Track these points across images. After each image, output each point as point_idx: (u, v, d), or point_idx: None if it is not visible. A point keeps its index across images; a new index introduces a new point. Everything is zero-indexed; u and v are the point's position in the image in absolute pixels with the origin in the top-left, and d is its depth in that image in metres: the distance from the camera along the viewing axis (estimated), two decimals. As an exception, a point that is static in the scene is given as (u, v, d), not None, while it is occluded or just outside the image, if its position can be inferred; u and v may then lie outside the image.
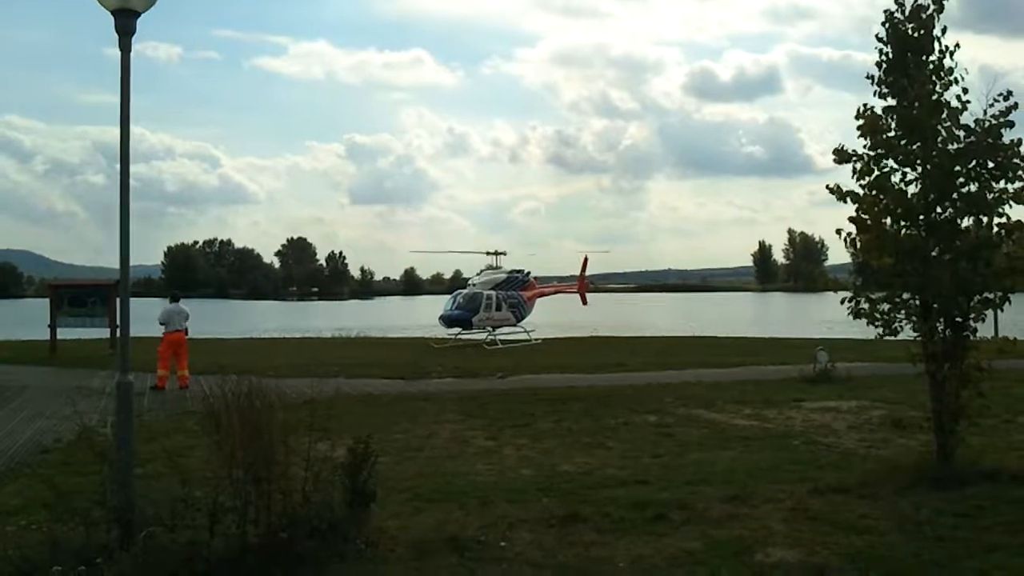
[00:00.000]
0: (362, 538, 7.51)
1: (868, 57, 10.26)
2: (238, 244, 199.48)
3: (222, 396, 7.57)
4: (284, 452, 7.44)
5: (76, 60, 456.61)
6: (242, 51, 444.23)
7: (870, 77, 10.13)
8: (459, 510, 8.87)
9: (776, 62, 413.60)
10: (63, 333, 28.88)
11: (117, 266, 8.00)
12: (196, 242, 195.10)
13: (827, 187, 10.22)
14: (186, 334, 21.97)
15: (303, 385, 9.89)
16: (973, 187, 9.82)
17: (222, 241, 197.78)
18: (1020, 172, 9.68)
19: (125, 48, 7.75)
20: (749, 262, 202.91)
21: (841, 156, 10.17)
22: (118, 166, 7.87)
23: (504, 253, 42.82)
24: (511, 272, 41.26)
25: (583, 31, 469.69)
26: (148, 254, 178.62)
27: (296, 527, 7.21)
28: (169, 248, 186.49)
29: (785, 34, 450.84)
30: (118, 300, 19.44)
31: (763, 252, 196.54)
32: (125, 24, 7.70)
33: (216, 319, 71.98)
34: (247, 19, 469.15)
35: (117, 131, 7.78)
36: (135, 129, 7.87)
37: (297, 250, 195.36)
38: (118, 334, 18.00)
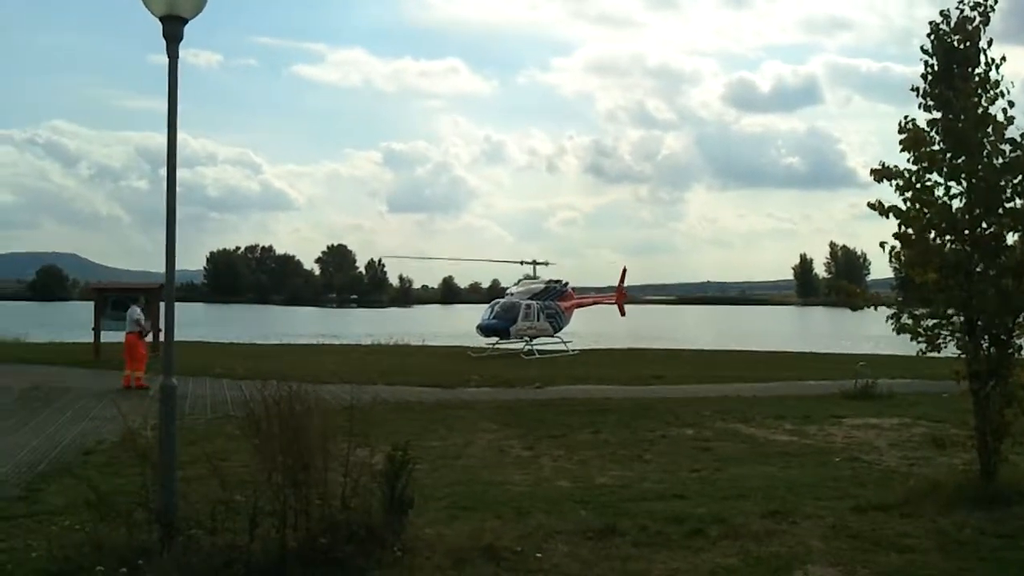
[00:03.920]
0: (400, 545, 7.55)
1: (907, 69, 10.21)
2: (279, 250, 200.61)
3: (263, 401, 7.65)
4: (323, 458, 7.50)
5: (120, 66, 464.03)
6: (281, 58, 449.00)
7: (915, 89, 10.02)
8: (496, 519, 8.87)
9: (814, 73, 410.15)
10: (107, 336, 29.20)
11: (161, 270, 8.10)
12: (238, 248, 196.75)
13: (868, 204, 10.11)
14: (140, 336, 22.83)
15: (342, 392, 9.96)
16: (1018, 202, 9.69)
17: (263, 247, 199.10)
18: (1067, 188, 9.53)
19: (173, 54, 7.85)
20: (790, 275, 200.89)
21: (880, 174, 10.06)
22: (162, 171, 7.97)
23: (546, 263, 42.86)
24: (549, 282, 41.24)
25: (619, 40, 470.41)
26: (191, 259, 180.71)
27: (335, 532, 7.26)
28: (212, 253, 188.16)
29: (822, 44, 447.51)
30: (161, 304, 19.84)
31: (804, 265, 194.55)
32: (173, 30, 7.80)
33: (257, 325, 72.85)
34: (285, 27, 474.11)
35: (159, 136, 7.92)
36: (179, 135, 7.95)
37: (337, 257, 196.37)
38: (161, 338, 18.36)
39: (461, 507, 9.49)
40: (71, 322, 47.82)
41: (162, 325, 12.62)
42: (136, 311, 23.23)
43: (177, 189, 7.95)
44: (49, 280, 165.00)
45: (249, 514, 7.20)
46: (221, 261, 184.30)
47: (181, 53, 7.91)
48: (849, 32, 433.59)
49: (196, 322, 61.98)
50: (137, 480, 7.65)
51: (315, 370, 21.90)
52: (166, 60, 7.86)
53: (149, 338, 26.33)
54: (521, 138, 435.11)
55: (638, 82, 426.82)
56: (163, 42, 7.82)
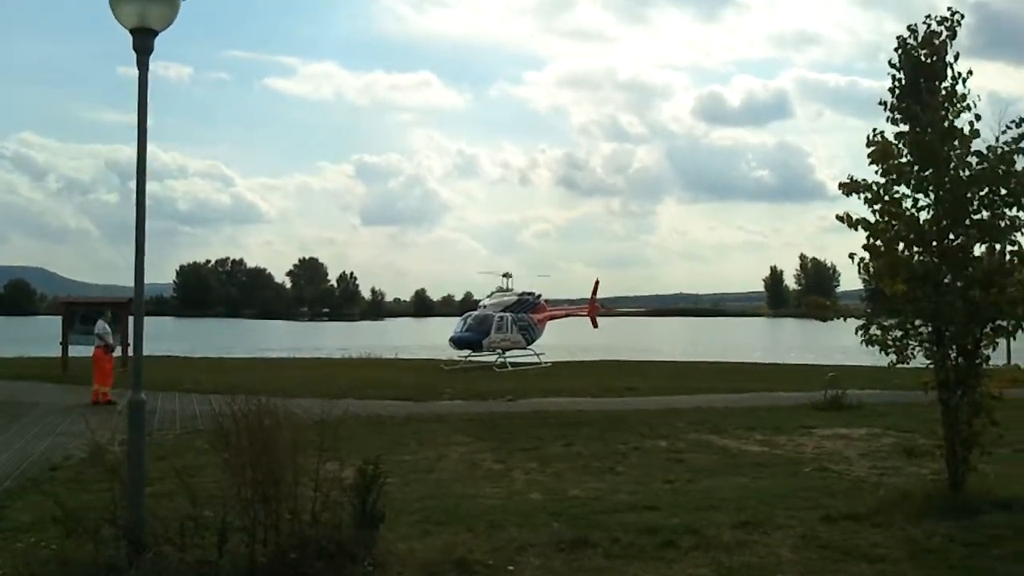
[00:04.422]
0: (370, 560, 7.49)
1: (874, 83, 10.34)
2: (250, 263, 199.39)
3: (232, 415, 7.59)
4: (293, 472, 7.44)
5: (89, 78, 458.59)
6: (252, 71, 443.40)
7: (883, 103, 10.13)
8: (467, 533, 8.83)
9: (784, 87, 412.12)
10: (75, 351, 28.91)
11: (130, 284, 8.04)
12: (208, 261, 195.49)
13: (837, 216, 10.20)
14: (105, 351, 22.61)
15: (313, 405, 9.89)
16: (985, 214, 9.80)
17: (234, 260, 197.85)
18: (1032, 200, 9.64)
19: (143, 66, 7.82)
20: (760, 287, 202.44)
21: (848, 188, 10.15)
22: (132, 184, 7.94)
23: (509, 275, 42.91)
24: (522, 294, 41.29)
25: (590, 55, 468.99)
26: (160, 273, 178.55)
27: (305, 548, 7.20)
28: (181, 267, 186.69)
29: (792, 59, 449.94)
30: (130, 318, 19.71)
31: (775, 277, 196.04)
32: (143, 43, 7.77)
33: (227, 338, 72.32)
34: (256, 40, 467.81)
35: (129, 150, 8.06)
36: (148, 148, 7.91)
37: (309, 270, 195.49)
38: (130, 352, 18.25)
39: (433, 521, 9.44)
40: (39, 337, 47.28)
41: (131, 339, 12.57)
42: (102, 326, 23.04)
43: (147, 202, 7.91)
44: (16, 294, 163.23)
45: (218, 529, 7.13)
46: (191, 274, 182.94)
47: (151, 66, 7.89)
48: (818, 47, 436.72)
49: (165, 336, 61.52)
50: (105, 496, 7.57)
51: (286, 384, 21.79)
52: (136, 72, 7.83)
53: (118, 352, 26.18)
54: (494, 151, 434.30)
55: (610, 96, 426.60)
56: (133, 54, 7.79)
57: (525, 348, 39.44)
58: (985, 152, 9.78)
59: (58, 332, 29.94)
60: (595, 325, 47.63)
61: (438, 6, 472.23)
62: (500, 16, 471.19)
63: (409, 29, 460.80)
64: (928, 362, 10.02)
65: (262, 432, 7.44)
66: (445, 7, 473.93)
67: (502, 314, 38.57)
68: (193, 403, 20.10)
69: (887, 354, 10.20)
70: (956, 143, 9.86)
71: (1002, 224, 9.76)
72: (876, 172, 10.08)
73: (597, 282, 49.08)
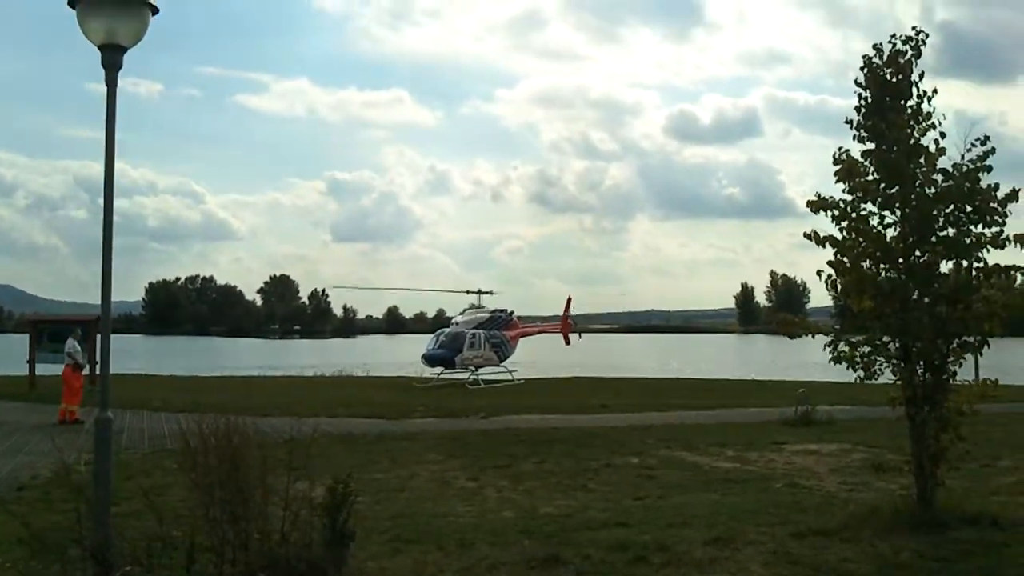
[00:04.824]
0: (341, 579, 7.44)
1: (843, 102, 10.42)
2: (220, 281, 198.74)
3: (200, 434, 7.53)
4: (262, 491, 7.38)
5: (58, 94, 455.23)
6: (224, 88, 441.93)
7: (849, 121, 10.23)
8: (439, 552, 8.80)
9: (754, 105, 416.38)
10: (42, 369, 28.62)
11: (99, 302, 7.98)
12: (178, 278, 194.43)
13: (804, 234, 10.27)
14: (74, 369, 22.40)
15: (283, 424, 9.85)
16: (951, 231, 9.90)
17: (204, 278, 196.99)
18: (997, 217, 9.76)
19: (111, 82, 7.78)
20: (731, 304, 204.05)
21: (816, 205, 10.24)
22: (101, 201, 7.88)
23: (490, 292, 42.93)
24: (494, 311, 41.29)
25: (562, 73, 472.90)
26: (129, 290, 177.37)
27: (274, 567, 7.14)
28: (151, 284, 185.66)
29: (761, 78, 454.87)
30: (98, 336, 19.55)
31: (745, 294, 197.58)
32: (112, 59, 7.74)
33: (197, 357, 71.77)
34: (229, 57, 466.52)
35: (98, 166, 7.81)
36: (117, 164, 7.87)
37: (280, 287, 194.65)
38: (98, 370, 18.10)
39: (404, 540, 9.39)
40: (7, 355, 46.68)
41: (99, 357, 12.46)
42: (71, 344, 22.85)
43: (115, 219, 7.87)
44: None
45: (186, 549, 7.06)
46: (160, 292, 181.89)
47: (121, 82, 7.86)
48: (787, 66, 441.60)
49: (134, 354, 60.98)
50: (71, 516, 7.47)
51: (256, 402, 21.64)
52: (104, 89, 7.80)
53: (86, 371, 25.90)
54: (466, 168, 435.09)
55: (581, 114, 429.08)
56: (103, 70, 7.75)
57: (498, 365, 39.41)
58: (951, 170, 9.88)
59: (25, 350, 29.62)
60: (567, 342, 47.67)
61: (411, 24, 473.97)
62: (472, 34, 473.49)
63: (382, 47, 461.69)
64: (895, 378, 10.10)
65: (231, 451, 7.38)
66: (418, 25, 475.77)
67: (475, 331, 38.54)
68: (162, 422, 19.90)
69: (855, 370, 10.27)
70: (922, 161, 9.97)
71: (968, 241, 9.85)
72: (843, 190, 10.19)
73: (569, 299, 49.25)
